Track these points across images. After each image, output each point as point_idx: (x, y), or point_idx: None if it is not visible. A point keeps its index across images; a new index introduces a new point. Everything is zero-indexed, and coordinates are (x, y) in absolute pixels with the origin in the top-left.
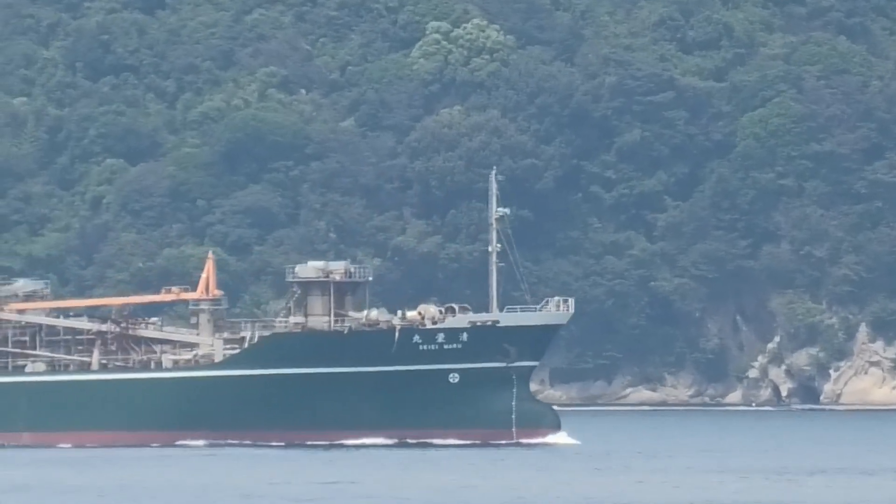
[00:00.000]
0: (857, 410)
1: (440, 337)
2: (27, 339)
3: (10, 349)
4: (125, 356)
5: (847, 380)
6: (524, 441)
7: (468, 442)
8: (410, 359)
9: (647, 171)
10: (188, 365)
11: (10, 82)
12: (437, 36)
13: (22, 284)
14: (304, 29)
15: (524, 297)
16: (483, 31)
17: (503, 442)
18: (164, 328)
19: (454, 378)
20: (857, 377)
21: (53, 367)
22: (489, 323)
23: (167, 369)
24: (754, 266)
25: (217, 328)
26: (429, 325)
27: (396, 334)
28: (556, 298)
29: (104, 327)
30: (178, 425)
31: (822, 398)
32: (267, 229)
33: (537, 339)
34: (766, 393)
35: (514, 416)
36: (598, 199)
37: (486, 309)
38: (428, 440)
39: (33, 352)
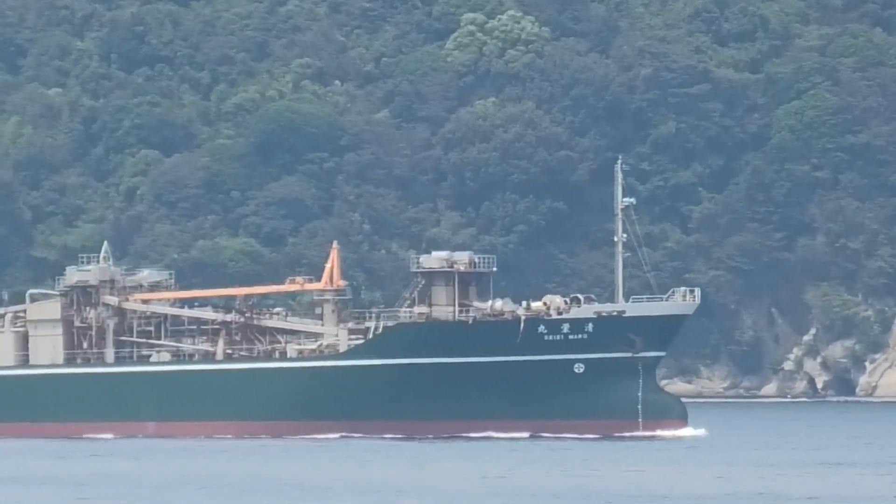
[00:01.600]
0: (893, 402)
1: (565, 327)
2: (152, 328)
3: (135, 339)
4: (249, 346)
5: (883, 372)
6: (651, 433)
7: (591, 435)
8: (535, 349)
9: (682, 163)
10: (313, 355)
11: (45, 73)
12: (471, 27)
13: (147, 275)
14: (339, 20)
15: (650, 287)
16: (518, 22)
17: (629, 434)
18: (289, 318)
19: (579, 368)
20: (893, 369)
21: (178, 356)
22: (615, 313)
23: (292, 359)
24: (790, 258)
25: (341, 318)
26: (554, 316)
27: (521, 324)
28: (683, 289)
29: (229, 317)
30: (303, 415)
31: (857, 390)
32: (301, 221)
33: (663, 330)
34: (801, 385)
35: (640, 407)
36: (633, 190)
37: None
38: (553, 432)
39: (158, 341)
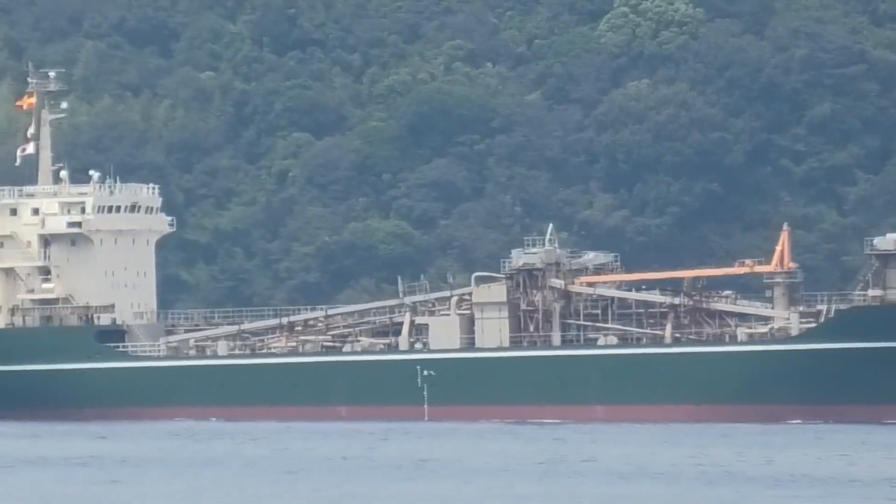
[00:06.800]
0: None
1: None
2: (598, 311)
3: (581, 322)
4: (698, 329)
5: None
6: None
7: None
8: None
9: (838, 144)
10: (764, 339)
11: (198, 57)
12: (625, 9)
13: (592, 257)
14: (491, 2)
15: None
16: (672, 3)
17: None
18: (738, 301)
19: None
20: None
21: (625, 340)
22: None
23: (742, 343)
24: None
25: (792, 301)
26: None
27: None
28: None
29: (677, 300)
30: (755, 400)
31: None
32: (452, 203)
33: None
34: None
35: None
36: (788, 172)
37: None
38: None
39: (605, 325)
